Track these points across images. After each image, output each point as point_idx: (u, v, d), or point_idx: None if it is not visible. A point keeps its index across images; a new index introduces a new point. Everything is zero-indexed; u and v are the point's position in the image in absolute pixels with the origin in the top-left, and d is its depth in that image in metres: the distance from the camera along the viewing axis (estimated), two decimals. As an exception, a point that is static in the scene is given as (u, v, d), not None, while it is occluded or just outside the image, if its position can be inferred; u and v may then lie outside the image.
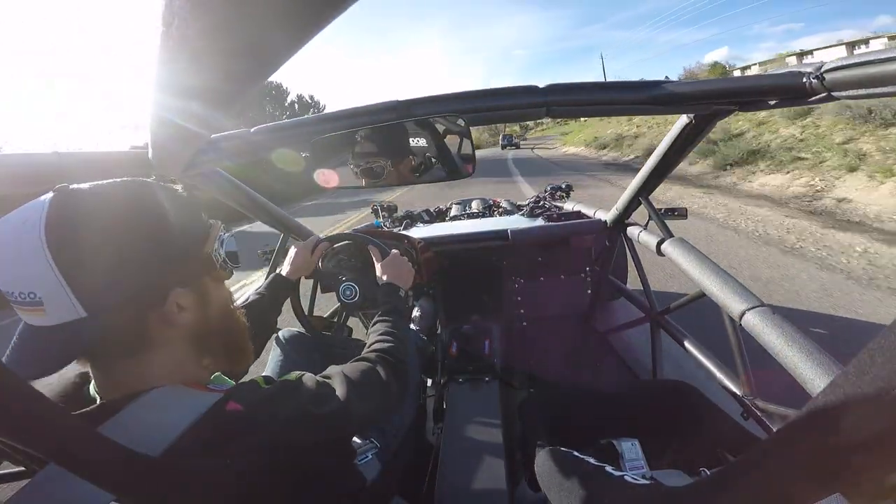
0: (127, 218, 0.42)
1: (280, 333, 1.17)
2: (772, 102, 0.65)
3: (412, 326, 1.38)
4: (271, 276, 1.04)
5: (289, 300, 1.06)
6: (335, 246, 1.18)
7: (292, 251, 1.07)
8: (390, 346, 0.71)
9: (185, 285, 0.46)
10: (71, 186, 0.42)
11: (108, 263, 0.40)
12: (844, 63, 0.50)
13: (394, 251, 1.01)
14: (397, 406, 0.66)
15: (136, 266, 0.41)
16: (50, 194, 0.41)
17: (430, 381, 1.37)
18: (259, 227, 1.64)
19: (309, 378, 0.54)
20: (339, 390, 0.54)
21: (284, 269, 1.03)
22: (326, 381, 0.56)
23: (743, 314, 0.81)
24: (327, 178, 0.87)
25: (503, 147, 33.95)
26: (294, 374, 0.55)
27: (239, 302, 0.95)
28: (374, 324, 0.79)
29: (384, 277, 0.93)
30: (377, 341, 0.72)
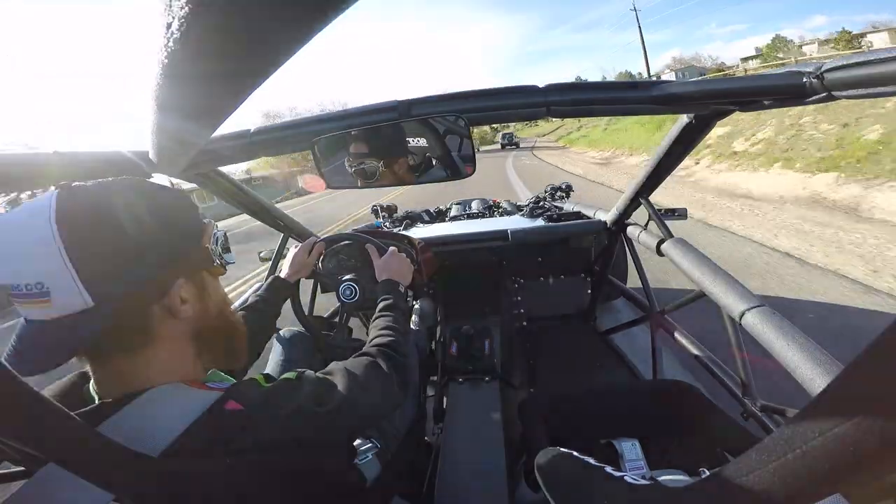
0: (131, 208, 0.43)
1: (280, 333, 1.17)
2: (771, 102, 0.65)
3: (412, 326, 1.38)
4: (270, 278, 1.04)
5: (289, 301, 1.06)
6: (334, 246, 1.18)
7: (291, 252, 1.07)
8: (391, 340, 0.71)
9: (187, 277, 0.47)
10: (74, 184, 0.43)
11: (116, 251, 0.41)
12: (844, 63, 0.50)
13: (391, 248, 1.01)
14: (400, 401, 0.66)
15: (142, 254, 0.42)
16: (55, 190, 0.41)
17: (430, 381, 1.37)
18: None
19: (310, 376, 0.54)
20: (341, 386, 0.54)
21: (283, 270, 1.03)
22: (328, 378, 0.56)
23: (743, 314, 0.80)
24: (324, 179, 0.86)
25: (503, 146, 32.60)
26: (295, 373, 0.55)
27: (238, 303, 0.96)
28: (375, 319, 0.79)
29: (383, 274, 0.93)
30: (378, 336, 0.72)
